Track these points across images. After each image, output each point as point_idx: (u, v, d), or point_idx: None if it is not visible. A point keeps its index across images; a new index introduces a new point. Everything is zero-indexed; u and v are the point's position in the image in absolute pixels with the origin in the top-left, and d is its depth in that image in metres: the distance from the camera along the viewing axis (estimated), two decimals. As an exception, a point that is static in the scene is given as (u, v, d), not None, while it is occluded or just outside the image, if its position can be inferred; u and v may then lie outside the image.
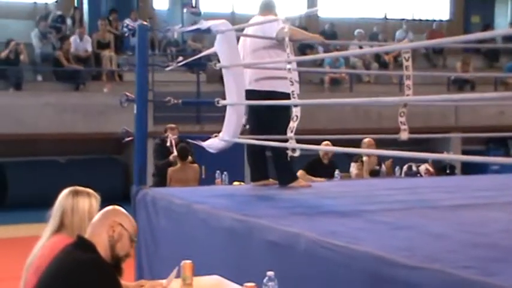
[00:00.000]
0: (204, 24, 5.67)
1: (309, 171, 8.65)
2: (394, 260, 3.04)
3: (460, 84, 16.73)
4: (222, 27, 5.59)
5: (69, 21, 16.02)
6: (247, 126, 6.03)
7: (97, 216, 2.92)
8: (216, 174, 8.37)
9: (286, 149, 5.80)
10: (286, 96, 5.74)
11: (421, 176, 8.72)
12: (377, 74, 16.50)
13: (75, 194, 3.36)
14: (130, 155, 14.83)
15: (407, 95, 5.49)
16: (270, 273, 2.94)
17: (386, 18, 20.42)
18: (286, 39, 4.97)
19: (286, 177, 6.01)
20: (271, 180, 6.16)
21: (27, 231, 10.75)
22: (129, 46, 16.24)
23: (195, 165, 8.58)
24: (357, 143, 8.95)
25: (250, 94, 5.73)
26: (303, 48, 14.91)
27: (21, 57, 14.14)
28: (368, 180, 7.71)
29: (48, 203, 11.94)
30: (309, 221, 4.19)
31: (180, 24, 16.65)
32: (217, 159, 9.96)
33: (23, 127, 13.03)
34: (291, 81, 4.94)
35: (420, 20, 20.74)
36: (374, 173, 8.92)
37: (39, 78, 14.75)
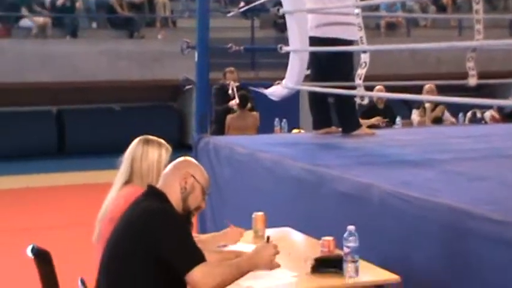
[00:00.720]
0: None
1: (364, 118, 8.52)
2: (480, 213, 2.90)
3: (522, 27, 16.21)
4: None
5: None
6: (309, 71, 5.90)
7: (169, 167, 2.84)
8: (275, 122, 8.27)
9: (350, 96, 5.75)
10: (349, 43, 5.64)
11: (486, 123, 8.49)
12: (435, 18, 16.05)
13: (146, 142, 3.29)
14: (185, 102, 14.91)
15: (478, 40, 5.25)
16: (351, 227, 2.84)
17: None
18: (354, -18, 4.78)
19: (350, 125, 5.89)
20: (334, 127, 6.05)
21: (86, 179, 10.91)
22: (182, -8, 16.16)
23: (255, 112, 8.48)
24: (416, 90, 8.74)
25: (312, 41, 5.59)
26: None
27: (77, 4, 14.15)
28: (433, 128, 7.53)
29: (104, 150, 11.92)
30: (379, 170, 4.09)
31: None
32: (271, 106, 9.90)
33: (79, 75, 13.08)
34: (359, 27, 4.78)
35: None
36: (437, 120, 8.73)
37: (94, 25, 14.76)
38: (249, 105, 8.20)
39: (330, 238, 3.08)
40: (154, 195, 2.72)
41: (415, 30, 15.63)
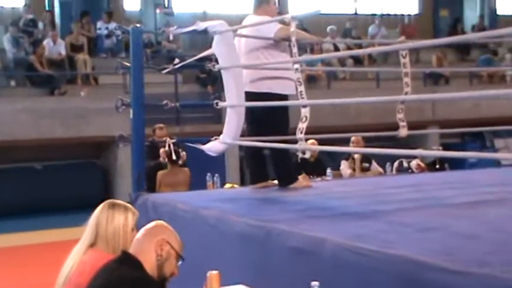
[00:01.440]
0: (200, 25, 5.53)
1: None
2: (439, 265, 2.92)
3: (436, 79, 16.79)
4: (220, 27, 5.46)
5: (40, 25, 15.70)
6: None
7: (142, 232, 2.78)
8: (207, 177, 8.22)
9: (286, 150, 5.78)
10: (283, 97, 5.70)
11: (412, 172, 8.67)
12: (354, 71, 16.46)
13: (112, 206, 3.21)
14: (109, 159, 14.71)
15: (406, 93, 5.38)
16: (315, 283, 2.81)
17: (357, 14, 20.42)
18: (293, 38, 4.84)
19: (286, 178, 5.92)
20: (270, 181, 6.05)
21: (9, 241, 10.52)
22: (103, 49, 16.04)
23: (186, 168, 8.43)
24: (341, 141, 8.89)
25: (247, 96, 5.62)
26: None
27: (-6, 62, 13.88)
28: (365, 179, 7.62)
29: (25, 210, 11.67)
30: (327, 224, 4.08)
31: (153, 25, 16.54)
32: (198, 161, 9.88)
33: (-2, 134, 12.76)
34: (299, 82, 4.82)
35: (389, 14, 20.78)
36: (363, 170, 8.87)
37: (13, 83, 14.45)
38: (179, 161, 8.14)
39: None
40: (128, 262, 2.64)
41: (334, 82, 15.96)
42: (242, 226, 4.33)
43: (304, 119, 4.73)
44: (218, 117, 13.66)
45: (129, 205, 3.31)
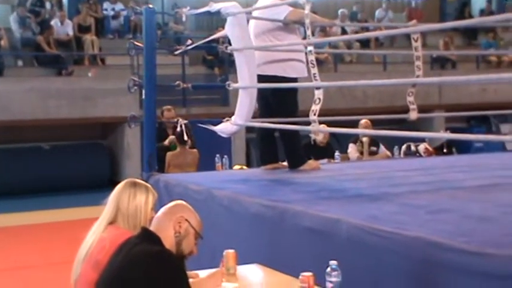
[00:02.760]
0: (213, 7, 5.55)
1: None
2: (455, 246, 2.95)
3: (442, 63, 16.75)
4: (233, 9, 5.48)
5: (48, 5, 15.68)
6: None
7: (162, 211, 2.83)
8: (216, 159, 8.24)
9: (296, 132, 5.82)
10: (293, 80, 5.73)
11: (420, 155, 8.69)
12: (360, 54, 16.44)
13: (133, 185, 3.24)
14: (116, 140, 14.74)
15: (418, 76, 5.40)
16: (333, 262, 2.85)
17: (364, -3, 20.34)
18: (307, 21, 4.85)
19: (296, 160, 5.95)
20: (280, 163, 6.11)
21: (19, 220, 10.58)
22: (110, 30, 16.03)
23: (195, 150, 8.46)
24: (348, 124, 8.88)
25: (257, 78, 5.64)
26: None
27: (1, 42, 13.85)
28: (376, 162, 7.64)
29: (33, 189, 11.77)
30: (341, 205, 4.11)
31: (160, 6, 16.51)
32: (204, 143, 9.89)
33: (6, 114, 12.77)
34: (312, 64, 4.84)
35: (396, -2, 20.70)
36: (371, 154, 8.89)
37: (20, 63, 14.46)
38: (189, 142, 8.17)
39: (309, 274, 3.07)
40: (148, 238, 2.68)
41: (341, 65, 15.96)
42: (256, 207, 4.37)
43: (317, 101, 4.76)
44: (225, 99, 13.69)
45: (149, 185, 3.35)
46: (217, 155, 8.32)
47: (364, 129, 8.47)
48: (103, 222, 3.17)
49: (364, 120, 8.74)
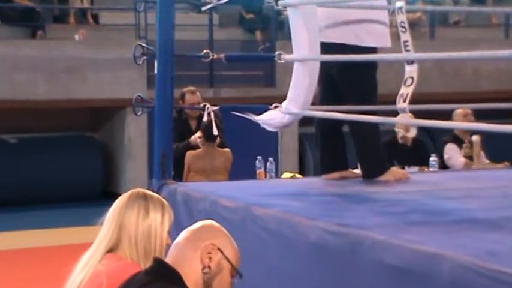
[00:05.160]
0: None
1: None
2: None
3: None
4: None
5: None
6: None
7: (184, 235, 2.85)
8: (257, 163, 8.28)
9: (375, 126, 5.81)
10: (370, 51, 5.73)
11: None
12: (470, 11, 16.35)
13: (144, 197, 3.27)
14: (112, 132, 14.87)
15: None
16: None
17: None
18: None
19: (374, 167, 5.98)
20: (350, 170, 6.17)
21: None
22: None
23: (227, 149, 8.48)
24: (448, 114, 8.86)
25: (321, 48, 5.65)
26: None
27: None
28: (492, 171, 7.61)
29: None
30: (442, 234, 4.09)
31: None
32: (237, 139, 9.90)
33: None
34: (403, 27, 4.83)
35: None
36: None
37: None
38: (218, 139, 8.19)
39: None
40: (165, 275, 2.70)
41: (441, 29, 15.89)
42: (317, 233, 4.37)
43: (409, 82, 4.75)
44: (271, 77, 13.73)
45: (165, 201, 3.38)
46: (259, 157, 8.37)
47: (472, 124, 8.43)
48: (99, 250, 3.20)
49: (462, 109, 8.75)
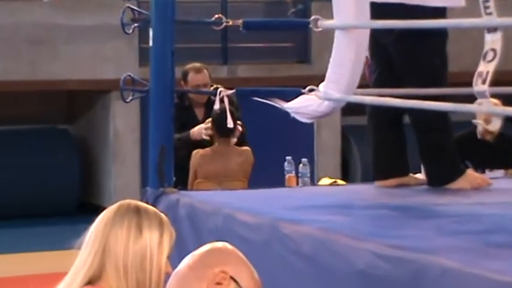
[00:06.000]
0: None
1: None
2: None
3: None
4: None
5: None
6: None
7: (188, 262, 2.92)
8: (286, 164, 8.30)
9: (445, 116, 5.82)
10: (436, 14, 5.74)
11: None
12: None
13: (136, 212, 3.28)
14: (93, 124, 14.93)
15: None
16: None
17: None
18: None
19: (444, 171, 6.03)
20: (412, 176, 6.23)
21: None
22: None
23: (246, 147, 8.50)
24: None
25: (372, 10, 5.68)
26: None
27: None
28: None
29: None
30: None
31: None
32: (262, 132, 9.92)
33: None
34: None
35: None
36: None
37: None
38: (236, 132, 8.21)
39: None
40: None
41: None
42: (367, 257, 4.41)
43: (490, 56, 4.74)
44: (304, 50, 13.77)
45: (163, 216, 3.38)
46: (288, 158, 8.38)
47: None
48: (76, 281, 3.22)
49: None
